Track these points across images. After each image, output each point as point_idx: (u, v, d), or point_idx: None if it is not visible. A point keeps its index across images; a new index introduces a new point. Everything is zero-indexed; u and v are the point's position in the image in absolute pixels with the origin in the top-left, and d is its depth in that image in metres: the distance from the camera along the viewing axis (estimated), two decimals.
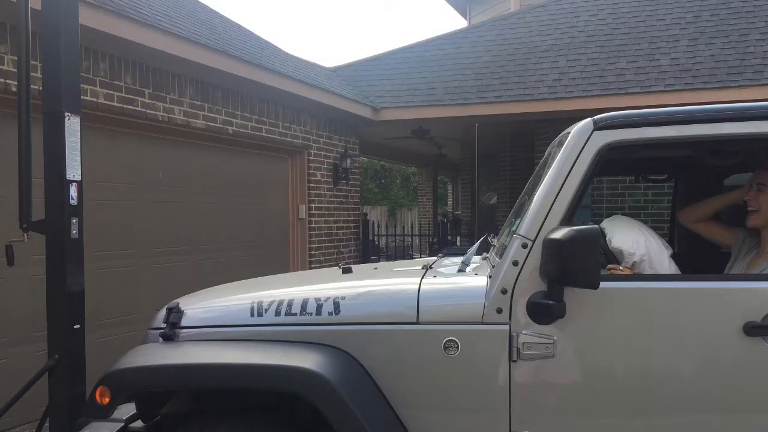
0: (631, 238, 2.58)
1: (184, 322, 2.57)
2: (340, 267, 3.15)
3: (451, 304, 2.39)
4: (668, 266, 2.58)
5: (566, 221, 2.29)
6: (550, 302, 2.18)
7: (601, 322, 2.25)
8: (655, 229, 2.78)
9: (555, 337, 2.26)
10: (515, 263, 2.32)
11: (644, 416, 2.23)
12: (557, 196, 2.31)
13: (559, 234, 2.12)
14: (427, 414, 2.34)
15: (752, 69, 7.74)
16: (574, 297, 2.23)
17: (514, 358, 2.27)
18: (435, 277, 2.58)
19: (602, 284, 2.16)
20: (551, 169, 2.36)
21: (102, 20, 4.70)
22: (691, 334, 2.21)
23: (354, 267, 3.19)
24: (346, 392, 2.20)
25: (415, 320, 2.38)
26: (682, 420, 2.21)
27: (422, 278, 2.54)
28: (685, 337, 2.21)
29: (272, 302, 2.53)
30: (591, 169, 2.31)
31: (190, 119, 6.03)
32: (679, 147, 2.58)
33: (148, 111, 5.52)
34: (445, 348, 2.33)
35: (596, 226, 2.14)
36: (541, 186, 2.36)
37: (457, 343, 2.32)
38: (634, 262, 2.56)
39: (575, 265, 2.07)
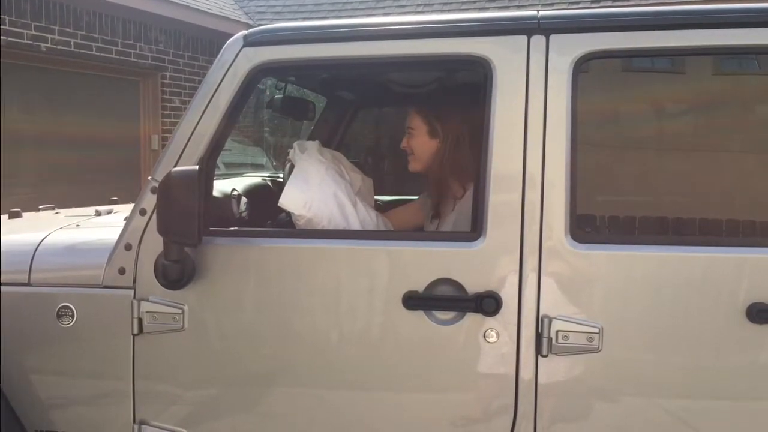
0: (302, 194, 1.96)
1: None
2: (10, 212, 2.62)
3: (68, 263, 1.94)
4: (357, 221, 2.07)
5: (206, 160, 1.83)
6: (165, 262, 1.75)
7: (235, 287, 1.82)
8: None
9: (186, 306, 1.82)
10: (143, 212, 1.86)
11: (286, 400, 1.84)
12: (195, 128, 1.84)
13: (161, 176, 1.70)
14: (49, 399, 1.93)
15: None
16: (210, 255, 1.80)
17: (135, 330, 1.84)
18: (78, 227, 2.10)
19: (227, 240, 1.81)
20: (194, 97, 1.88)
21: None
22: (341, 299, 1.79)
23: (32, 214, 2.68)
24: None
25: (26, 281, 1.92)
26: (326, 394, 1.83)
27: (57, 230, 2.07)
28: (332, 301, 1.79)
29: None
30: (240, 95, 1.83)
31: None
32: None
33: None
34: (59, 317, 1.88)
35: (194, 167, 1.67)
36: (183, 116, 1.89)
37: (72, 311, 1.87)
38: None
39: (169, 214, 1.64)
